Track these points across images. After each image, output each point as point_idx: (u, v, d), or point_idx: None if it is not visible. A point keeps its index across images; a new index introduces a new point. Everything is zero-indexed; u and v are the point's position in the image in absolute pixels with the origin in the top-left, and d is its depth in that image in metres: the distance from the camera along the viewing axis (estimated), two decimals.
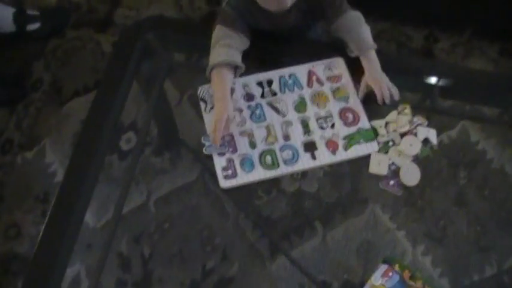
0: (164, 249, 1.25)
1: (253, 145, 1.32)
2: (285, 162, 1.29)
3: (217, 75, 1.34)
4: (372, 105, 1.36)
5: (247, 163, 1.29)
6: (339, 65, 1.44)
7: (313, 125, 1.35)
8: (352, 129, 1.33)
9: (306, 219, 1.26)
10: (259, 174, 1.28)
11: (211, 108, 1.37)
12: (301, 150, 1.31)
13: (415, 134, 1.33)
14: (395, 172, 1.29)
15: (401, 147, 1.31)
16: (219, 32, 1.38)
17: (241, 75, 1.39)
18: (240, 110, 1.37)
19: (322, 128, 1.34)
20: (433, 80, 1.50)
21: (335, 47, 1.46)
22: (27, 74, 2.44)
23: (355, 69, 1.39)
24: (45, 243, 1.25)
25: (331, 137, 1.32)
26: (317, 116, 1.36)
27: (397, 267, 1.14)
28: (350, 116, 1.36)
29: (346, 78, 1.42)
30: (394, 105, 1.35)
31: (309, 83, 1.41)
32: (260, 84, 1.42)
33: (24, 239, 1.97)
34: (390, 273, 1.13)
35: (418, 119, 1.34)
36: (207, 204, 1.29)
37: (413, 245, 1.22)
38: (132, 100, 1.47)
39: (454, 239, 1.22)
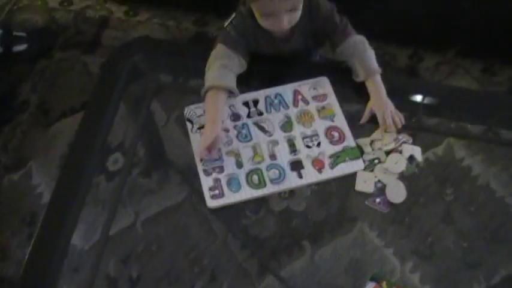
0: (152, 271, 1.24)
1: (240, 165, 1.32)
2: (272, 181, 1.30)
3: (212, 97, 1.36)
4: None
5: (234, 183, 1.30)
6: (324, 85, 1.46)
7: (299, 144, 1.35)
8: (338, 148, 1.35)
9: (294, 238, 1.26)
10: (246, 193, 1.28)
11: (198, 128, 1.38)
12: (287, 169, 1.32)
13: (400, 152, 1.34)
14: (381, 190, 1.30)
15: (386, 164, 1.32)
16: (219, 50, 1.40)
17: None
18: (227, 130, 1.38)
19: (308, 146, 1.35)
20: (418, 98, 1.52)
21: (320, 67, 1.48)
22: (14, 95, 2.43)
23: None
24: (31, 266, 1.25)
25: (317, 156, 1.33)
26: (303, 135, 1.37)
27: (384, 284, 1.15)
28: (336, 134, 1.37)
29: (332, 97, 1.43)
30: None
31: (295, 103, 1.43)
32: (246, 104, 1.43)
33: (11, 262, 1.94)
34: None
35: (403, 137, 1.35)
36: (195, 224, 1.29)
37: (401, 262, 1.22)
38: (120, 121, 1.48)
39: (442, 256, 1.23)
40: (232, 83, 1.38)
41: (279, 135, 1.37)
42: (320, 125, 1.39)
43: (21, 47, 2.48)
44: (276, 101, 1.43)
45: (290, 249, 1.24)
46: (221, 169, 1.32)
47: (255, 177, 1.30)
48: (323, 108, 1.42)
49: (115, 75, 1.52)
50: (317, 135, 1.37)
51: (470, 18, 2.23)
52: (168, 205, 1.32)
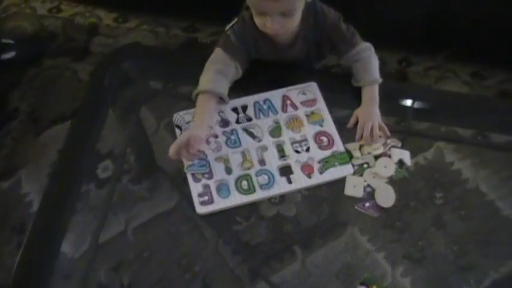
0: (144, 278, 1.23)
1: (229, 171, 1.32)
2: (261, 187, 1.30)
3: (201, 101, 1.37)
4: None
5: (223, 189, 1.29)
6: (313, 90, 1.46)
7: (288, 149, 1.36)
8: (327, 153, 1.35)
9: (285, 244, 1.25)
10: (236, 199, 1.28)
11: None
12: (277, 174, 1.31)
13: (389, 156, 1.34)
14: (370, 194, 1.30)
15: (375, 169, 1.32)
16: (217, 54, 1.41)
17: None
18: (216, 136, 1.38)
19: (297, 152, 1.35)
20: (407, 102, 1.52)
21: (309, 72, 1.48)
22: (4, 103, 2.42)
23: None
24: (21, 275, 1.24)
25: (306, 161, 1.33)
26: (292, 140, 1.37)
27: None
28: (325, 139, 1.37)
29: (320, 103, 1.44)
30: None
31: (284, 108, 1.43)
32: (235, 110, 1.43)
33: (0, 270, 1.93)
34: None
35: (392, 141, 1.36)
36: (186, 231, 1.28)
37: (392, 267, 1.22)
38: (110, 128, 1.48)
39: (433, 260, 1.23)
40: (223, 90, 1.38)
41: (268, 140, 1.37)
42: (309, 130, 1.39)
43: (9, 55, 2.47)
44: (264, 107, 1.43)
45: (281, 255, 1.24)
46: (210, 175, 1.31)
47: (245, 183, 1.30)
48: (312, 113, 1.42)
49: (104, 82, 1.52)
50: (306, 140, 1.37)
51: (460, 22, 2.24)
52: (158, 212, 1.32)
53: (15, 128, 2.33)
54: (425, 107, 1.55)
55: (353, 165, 1.33)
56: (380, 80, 1.41)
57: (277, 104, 1.44)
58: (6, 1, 2.88)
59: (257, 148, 1.36)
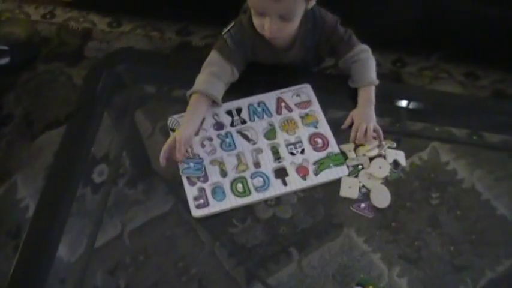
0: (140, 281, 1.23)
1: (224, 173, 1.32)
2: (256, 189, 1.29)
3: (193, 100, 1.38)
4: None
5: (218, 192, 1.29)
6: (307, 92, 1.46)
7: (283, 151, 1.35)
8: (322, 154, 1.35)
9: (281, 245, 1.25)
10: (231, 202, 1.28)
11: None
12: (272, 176, 1.31)
13: (384, 157, 1.35)
14: (366, 195, 1.30)
15: (370, 170, 1.32)
16: (213, 58, 1.41)
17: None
18: (210, 139, 1.38)
19: (292, 154, 1.35)
20: (402, 103, 1.52)
21: (303, 74, 1.49)
22: None
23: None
24: (16, 279, 1.23)
25: (301, 163, 1.33)
26: (287, 142, 1.37)
27: None
28: (319, 141, 1.37)
29: (315, 104, 1.44)
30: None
31: (278, 110, 1.43)
32: (229, 112, 1.43)
33: None
34: None
35: (387, 142, 1.36)
36: (182, 234, 1.28)
37: (388, 267, 1.22)
38: (104, 132, 1.47)
39: (429, 260, 1.23)
40: (216, 92, 1.38)
41: (263, 143, 1.37)
42: (304, 132, 1.39)
43: (3, 61, 2.47)
44: (259, 109, 1.43)
45: (277, 257, 1.23)
46: (205, 178, 1.31)
47: (240, 186, 1.30)
48: (306, 115, 1.42)
49: (98, 86, 1.52)
50: (301, 142, 1.37)
51: (453, 23, 2.25)
52: (154, 215, 1.31)
53: (9, 133, 2.33)
54: (420, 108, 1.56)
55: (348, 167, 1.33)
56: (377, 82, 1.42)
57: (272, 106, 1.44)
58: None
59: (252, 151, 1.36)
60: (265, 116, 1.42)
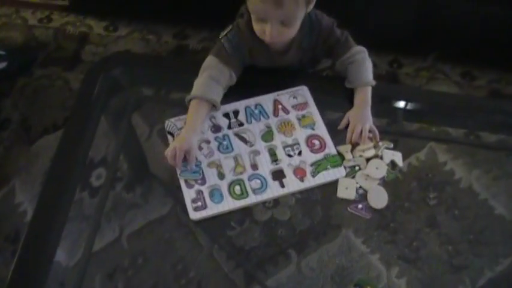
0: (138, 285, 1.23)
1: (221, 176, 1.32)
2: (254, 191, 1.30)
3: (194, 106, 1.37)
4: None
5: (216, 194, 1.29)
6: (303, 93, 1.47)
7: (280, 153, 1.36)
8: (319, 156, 1.35)
9: (279, 247, 1.25)
10: (229, 204, 1.28)
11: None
12: (269, 178, 1.32)
13: (381, 158, 1.35)
14: (363, 196, 1.30)
15: (367, 170, 1.33)
16: (211, 61, 1.41)
17: None
18: (208, 142, 1.38)
19: (289, 155, 1.35)
20: (399, 104, 1.53)
21: (299, 76, 1.49)
22: None
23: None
24: (15, 284, 1.23)
25: (298, 165, 1.34)
26: (284, 144, 1.37)
27: None
28: (317, 142, 1.37)
29: (311, 106, 1.44)
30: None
31: (275, 112, 1.43)
32: (227, 115, 1.43)
33: None
34: None
35: (384, 143, 1.36)
36: (180, 237, 1.28)
37: (387, 268, 1.22)
38: (102, 136, 1.47)
39: (428, 260, 1.23)
40: (215, 97, 1.38)
41: (260, 145, 1.37)
42: (301, 134, 1.39)
43: (1, 66, 2.46)
44: (256, 111, 1.43)
45: (276, 259, 1.24)
46: (203, 181, 1.31)
47: (237, 188, 1.30)
48: (303, 117, 1.42)
49: (94, 89, 1.52)
50: (298, 144, 1.37)
51: (449, 23, 2.25)
52: (152, 218, 1.31)
53: (7, 138, 2.32)
54: (417, 108, 1.56)
55: (345, 168, 1.33)
56: (373, 83, 1.42)
57: (269, 108, 1.44)
58: None
59: (249, 153, 1.36)
60: (262, 118, 1.42)
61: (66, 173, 1.41)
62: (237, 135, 1.39)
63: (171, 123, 1.42)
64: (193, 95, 1.37)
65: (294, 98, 1.46)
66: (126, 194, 1.36)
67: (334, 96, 1.49)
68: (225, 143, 1.38)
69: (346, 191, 1.30)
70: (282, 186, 1.31)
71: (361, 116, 1.38)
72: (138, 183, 1.38)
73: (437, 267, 1.22)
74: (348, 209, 1.28)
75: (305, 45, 1.46)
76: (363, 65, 1.44)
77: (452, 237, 1.26)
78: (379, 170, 1.33)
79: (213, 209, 1.27)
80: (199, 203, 1.28)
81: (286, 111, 1.43)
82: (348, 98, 1.43)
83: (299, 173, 1.32)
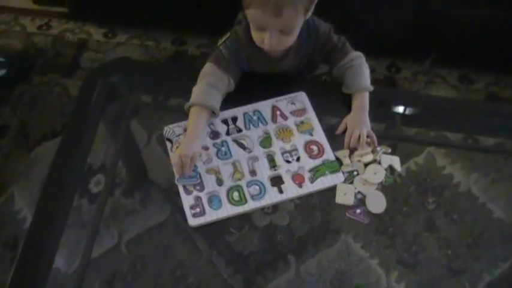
0: None
1: (220, 182, 1.32)
2: (253, 197, 1.30)
3: (194, 113, 1.37)
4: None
5: (214, 200, 1.29)
6: (302, 99, 1.47)
7: (279, 159, 1.36)
8: (318, 162, 1.35)
9: (278, 253, 1.25)
10: (227, 211, 1.28)
11: (177, 147, 1.37)
12: (268, 185, 1.32)
13: (379, 163, 1.35)
14: (361, 201, 1.30)
15: (365, 175, 1.33)
16: (209, 68, 1.41)
17: None
18: (206, 148, 1.38)
19: (288, 161, 1.35)
20: (397, 109, 1.53)
21: (297, 81, 1.49)
22: None
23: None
24: None
25: (297, 171, 1.34)
26: (282, 150, 1.37)
27: None
28: (315, 148, 1.38)
29: (310, 112, 1.44)
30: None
31: (273, 118, 1.43)
32: (225, 121, 1.43)
33: None
34: None
35: (382, 148, 1.36)
36: (179, 243, 1.28)
37: (386, 273, 1.22)
38: (100, 142, 1.47)
39: (427, 264, 1.23)
40: (215, 103, 1.38)
41: (259, 151, 1.37)
42: (299, 140, 1.39)
43: (0, 72, 2.47)
44: (254, 118, 1.44)
45: (275, 264, 1.23)
46: (202, 187, 1.31)
47: (236, 194, 1.30)
48: (301, 123, 1.42)
49: (93, 96, 1.52)
50: (296, 150, 1.37)
51: (446, 27, 2.26)
52: (151, 224, 1.31)
53: (6, 145, 2.33)
54: (415, 113, 1.56)
55: (343, 173, 1.34)
56: (371, 88, 1.42)
57: (267, 114, 1.44)
58: None
59: (248, 159, 1.36)
60: (260, 124, 1.42)
61: (64, 179, 1.41)
62: (235, 141, 1.40)
63: (169, 130, 1.42)
64: (192, 102, 1.37)
65: (292, 104, 1.46)
66: (125, 200, 1.36)
67: (332, 101, 1.49)
68: (223, 149, 1.38)
69: (345, 196, 1.30)
70: (281, 192, 1.31)
71: (359, 121, 1.39)
72: (136, 190, 1.38)
73: (436, 271, 1.22)
74: (347, 214, 1.28)
75: (302, 51, 1.46)
76: (360, 71, 1.44)
77: (451, 241, 1.26)
78: (377, 174, 1.33)
79: (212, 215, 1.28)
80: (197, 210, 1.28)
81: (285, 117, 1.43)
82: (345, 103, 1.44)
83: (298, 179, 1.33)
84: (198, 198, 1.30)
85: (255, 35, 1.34)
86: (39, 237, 1.30)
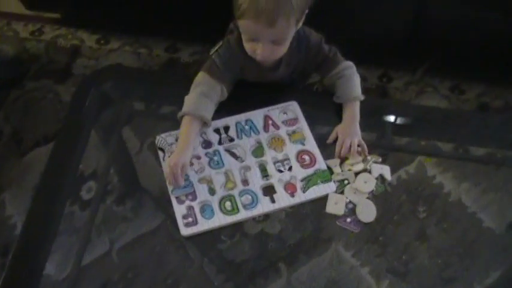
0: None
1: (212, 191, 1.32)
2: (245, 207, 1.30)
3: (186, 123, 1.37)
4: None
5: (207, 210, 1.29)
6: (293, 109, 1.48)
7: (271, 168, 1.36)
8: (310, 171, 1.35)
9: (270, 261, 1.25)
10: (220, 220, 1.28)
11: (170, 156, 1.37)
12: (260, 194, 1.32)
13: (370, 172, 1.36)
14: (352, 210, 1.31)
15: (356, 184, 1.33)
16: (202, 77, 1.41)
17: None
18: (198, 157, 1.38)
19: (280, 171, 1.36)
20: (388, 118, 1.54)
21: (289, 91, 1.50)
22: None
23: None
24: None
25: (289, 180, 1.34)
26: (274, 160, 1.38)
27: None
28: (307, 158, 1.38)
29: (302, 121, 1.45)
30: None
31: (265, 128, 1.44)
32: (217, 130, 1.43)
33: None
34: None
35: (372, 157, 1.37)
36: (171, 251, 1.28)
37: (377, 281, 1.22)
38: (92, 149, 1.47)
39: (417, 273, 1.23)
40: (207, 113, 1.38)
41: (251, 160, 1.38)
42: (291, 149, 1.40)
43: None
44: (246, 127, 1.44)
45: (266, 272, 1.23)
46: (194, 196, 1.31)
47: (228, 204, 1.30)
48: (293, 132, 1.43)
49: (85, 103, 1.52)
50: (288, 159, 1.38)
51: (438, 37, 2.27)
52: (143, 232, 1.31)
53: None
54: (406, 122, 1.57)
55: (334, 182, 1.34)
56: (362, 97, 1.43)
57: (259, 124, 1.44)
58: None
59: (240, 168, 1.36)
60: (252, 133, 1.43)
61: (56, 185, 1.41)
62: (227, 150, 1.40)
63: (161, 139, 1.42)
64: (184, 112, 1.37)
65: (284, 113, 1.47)
66: (117, 208, 1.35)
67: (323, 110, 1.50)
68: (215, 158, 1.38)
69: (336, 206, 1.31)
70: (273, 201, 1.31)
71: (350, 130, 1.40)
72: (128, 197, 1.37)
73: (427, 280, 1.23)
74: (337, 222, 1.29)
75: (294, 61, 1.47)
76: (351, 80, 1.45)
77: (441, 250, 1.26)
78: (367, 184, 1.34)
79: (204, 224, 1.27)
80: (190, 219, 1.28)
81: (277, 127, 1.44)
82: (337, 113, 1.45)
83: (290, 188, 1.33)
84: (190, 208, 1.30)
85: (247, 46, 1.34)
86: (30, 244, 1.30)
